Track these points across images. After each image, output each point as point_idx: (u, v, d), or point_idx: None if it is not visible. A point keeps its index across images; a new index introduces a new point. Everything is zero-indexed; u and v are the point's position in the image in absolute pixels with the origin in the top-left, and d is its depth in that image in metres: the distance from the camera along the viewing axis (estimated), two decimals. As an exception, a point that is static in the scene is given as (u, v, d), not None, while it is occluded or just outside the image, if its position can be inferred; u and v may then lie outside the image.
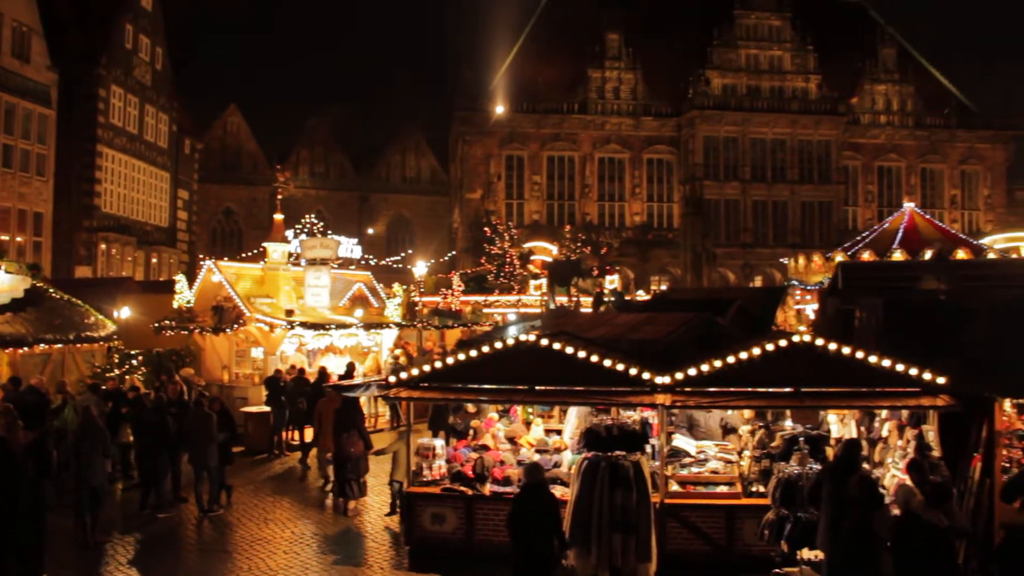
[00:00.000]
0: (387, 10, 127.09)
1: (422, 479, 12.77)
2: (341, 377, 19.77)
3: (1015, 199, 63.96)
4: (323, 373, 20.97)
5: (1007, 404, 11.27)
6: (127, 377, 19.98)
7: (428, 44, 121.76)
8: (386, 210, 66.95)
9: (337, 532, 13.78)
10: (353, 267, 33.83)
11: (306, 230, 34.89)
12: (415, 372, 12.42)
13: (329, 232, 37.59)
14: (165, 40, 46.64)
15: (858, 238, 35.44)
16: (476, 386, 12.21)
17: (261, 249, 25.81)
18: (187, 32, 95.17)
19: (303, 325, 21.62)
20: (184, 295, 23.27)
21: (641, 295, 39.53)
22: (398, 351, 25.54)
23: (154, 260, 45.86)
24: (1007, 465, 11.23)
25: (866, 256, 30.27)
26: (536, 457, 13.03)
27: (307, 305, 23.55)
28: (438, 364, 12.37)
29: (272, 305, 22.60)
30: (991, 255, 30.42)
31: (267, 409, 19.91)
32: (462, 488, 12.35)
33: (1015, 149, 63.13)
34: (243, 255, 36.25)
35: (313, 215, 40.62)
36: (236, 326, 21.81)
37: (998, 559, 8.31)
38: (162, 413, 14.94)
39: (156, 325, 22.82)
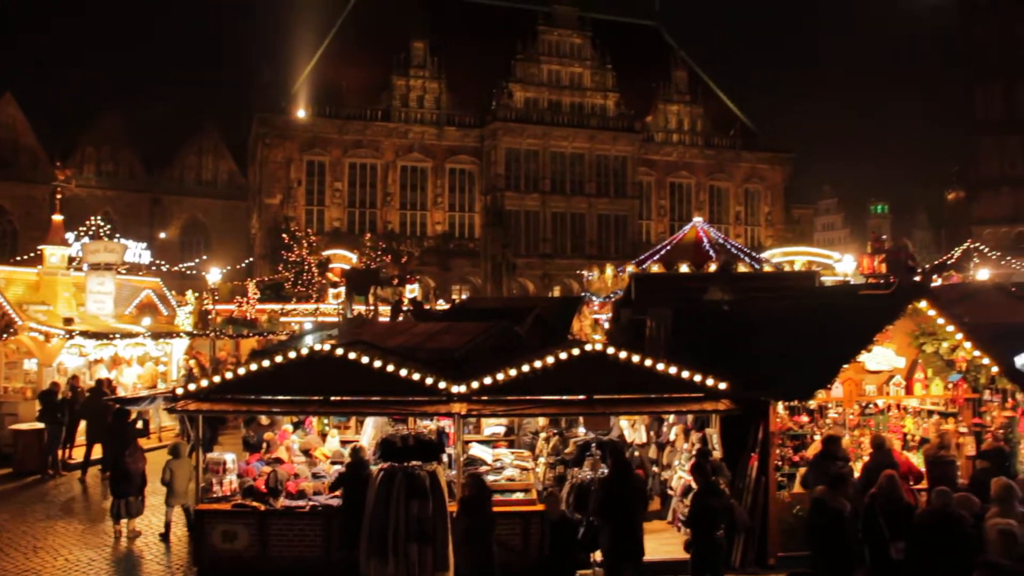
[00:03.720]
0: (186, 4, 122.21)
1: (212, 495, 12.24)
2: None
3: (791, 216, 69.04)
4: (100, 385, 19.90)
5: (780, 407, 12.09)
6: None
7: (228, 41, 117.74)
8: (180, 213, 64.05)
9: (117, 557, 12.94)
10: (142, 273, 32.11)
11: (90, 232, 32.79)
12: (205, 383, 11.92)
13: (117, 235, 35.60)
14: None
15: (650, 251, 37.02)
16: (270, 397, 11.83)
17: (38, 252, 24.06)
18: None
19: (84, 334, 20.31)
20: (-56, 301, 21.32)
21: (441, 304, 39.68)
22: (191, 361, 24.51)
23: (-91, 262, 41.80)
24: (779, 464, 12.04)
25: (656, 268, 31.65)
26: (333, 469, 12.81)
27: (89, 313, 22.23)
28: (230, 375, 11.90)
29: (48, 313, 21.14)
30: (768, 268, 32.51)
31: (40, 426, 18.49)
32: (254, 503, 11.93)
33: (791, 171, 68.16)
34: (17, 258, 33.64)
35: (99, 217, 38.19)
36: (5, 336, 20.19)
37: (913, 546, 8.86)
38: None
39: (-92, 334, 20.77)
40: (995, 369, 11.80)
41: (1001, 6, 72.60)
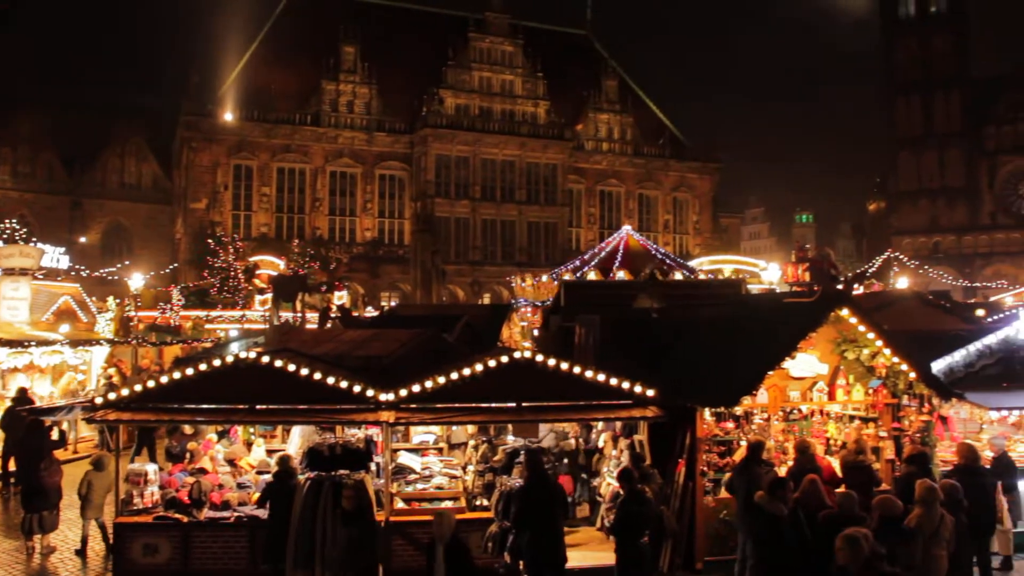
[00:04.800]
0: (112, 2, 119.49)
1: (132, 508, 11.91)
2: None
3: (719, 225, 70.26)
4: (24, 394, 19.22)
5: (707, 413, 12.22)
6: None
7: (155, 41, 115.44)
8: (101, 217, 62.34)
9: (30, 574, 12.46)
10: (60, 278, 31.13)
11: (5, 236, 31.72)
12: (126, 392, 11.59)
13: (33, 239, 34.50)
14: None
15: (582, 257, 37.34)
16: (194, 406, 11.54)
17: (-53, 257, 23.17)
18: None
19: (-4, 342, 19.61)
20: None
21: (370, 311, 39.40)
22: (111, 370, 23.84)
23: None
24: (705, 469, 12.17)
25: (576, 275, 31.92)
26: (261, 479, 12.57)
27: (2, 319, 21.48)
28: (152, 383, 11.59)
29: (-41, 320, 20.36)
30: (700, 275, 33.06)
31: (-51, 438, 17.78)
32: (177, 516, 11.65)
33: (719, 180, 69.38)
34: (-73, 263, 32.33)
35: (15, 220, 36.94)
36: (-87, 343, 19.41)
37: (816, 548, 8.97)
38: None
39: None
40: (913, 375, 12.10)
41: (921, 23, 75.05)
